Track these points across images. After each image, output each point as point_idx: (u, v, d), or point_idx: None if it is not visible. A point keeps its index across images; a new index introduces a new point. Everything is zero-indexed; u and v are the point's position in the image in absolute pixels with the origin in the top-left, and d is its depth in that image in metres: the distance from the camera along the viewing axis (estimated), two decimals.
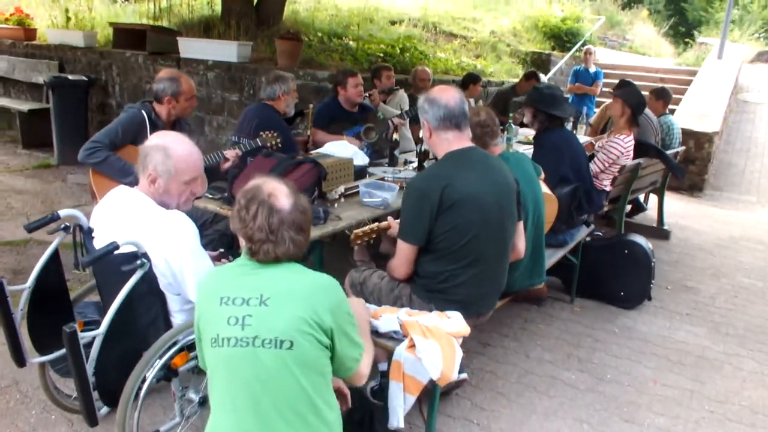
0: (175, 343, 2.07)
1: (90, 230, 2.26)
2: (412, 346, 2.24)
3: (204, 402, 2.20)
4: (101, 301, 2.37)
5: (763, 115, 10.62)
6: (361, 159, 3.60)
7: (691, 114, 8.25)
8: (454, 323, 2.34)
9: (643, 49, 16.29)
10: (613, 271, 4.07)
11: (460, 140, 2.38)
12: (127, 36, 7.27)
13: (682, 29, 21.57)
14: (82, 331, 2.39)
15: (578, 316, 3.96)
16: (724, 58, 11.22)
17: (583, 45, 11.29)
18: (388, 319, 2.34)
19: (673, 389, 3.16)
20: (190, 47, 6.46)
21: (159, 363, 2.01)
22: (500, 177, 2.42)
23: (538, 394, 3.04)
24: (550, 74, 9.99)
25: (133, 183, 3.16)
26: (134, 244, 1.97)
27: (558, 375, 3.22)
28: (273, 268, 1.71)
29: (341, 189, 3.11)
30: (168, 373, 2.09)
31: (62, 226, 2.23)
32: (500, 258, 2.47)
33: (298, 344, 1.62)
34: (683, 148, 5.97)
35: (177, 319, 2.17)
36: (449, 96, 2.36)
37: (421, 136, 2.55)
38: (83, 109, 6.90)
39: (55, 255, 2.28)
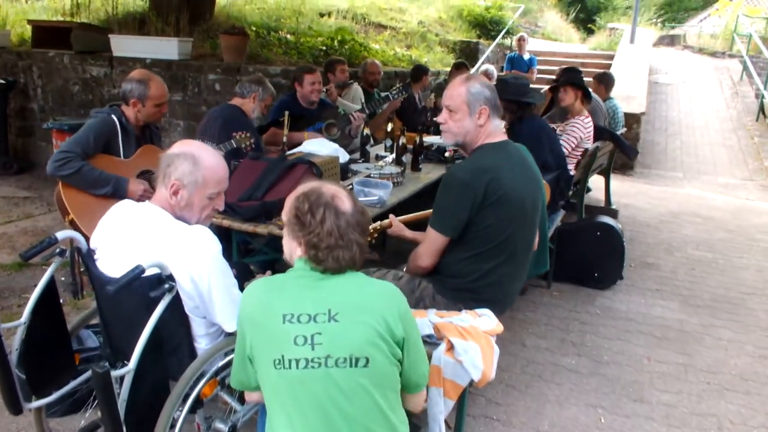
0: (203, 374, 1.89)
1: (91, 252, 2.02)
2: (450, 348, 2.17)
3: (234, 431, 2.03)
4: (103, 328, 2.12)
5: (675, 95, 11.32)
6: (342, 156, 3.46)
7: (618, 96, 8.59)
8: (488, 321, 2.28)
9: (554, 35, 16.94)
10: (586, 254, 4.17)
11: (500, 132, 2.35)
12: (48, 34, 6.66)
13: (582, 15, 22.62)
14: (79, 363, 2.20)
15: (559, 300, 4.04)
16: (636, 42, 11.84)
17: (507, 33, 11.57)
18: (420, 323, 2.25)
19: (667, 365, 3.28)
20: (124, 45, 6.01)
21: (189, 399, 1.83)
22: (533, 172, 2.39)
23: (545, 382, 3.05)
24: (479, 62, 10.15)
25: (111, 194, 2.96)
26: (159, 266, 1.77)
27: (558, 361, 3.26)
28: (337, 278, 1.58)
29: None
30: (194, 404, 1.91)
31: (57, 250, 1.98)
32: (527, 254, 2.44)
33: (374, 360, 1.52)
34: (625, 130, 6.23)
35: (201, 344, 1.99)
36: (493, 87, 2.32)
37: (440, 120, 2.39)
38: (1, 116, 6.29)
39: (51, 284, 2.02)
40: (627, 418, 2.80)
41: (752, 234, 5.84)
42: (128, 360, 1.98)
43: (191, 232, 1.88)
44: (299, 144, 4.21)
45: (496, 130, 2.33)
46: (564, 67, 5.42)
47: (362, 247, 1.61)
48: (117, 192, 2.98)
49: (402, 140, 3.74)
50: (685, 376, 3.17)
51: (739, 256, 5.16)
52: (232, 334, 1.96)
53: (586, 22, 22.63)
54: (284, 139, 3.91)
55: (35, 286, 3.82)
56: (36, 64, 6.56)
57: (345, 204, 1.59)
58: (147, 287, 1.76)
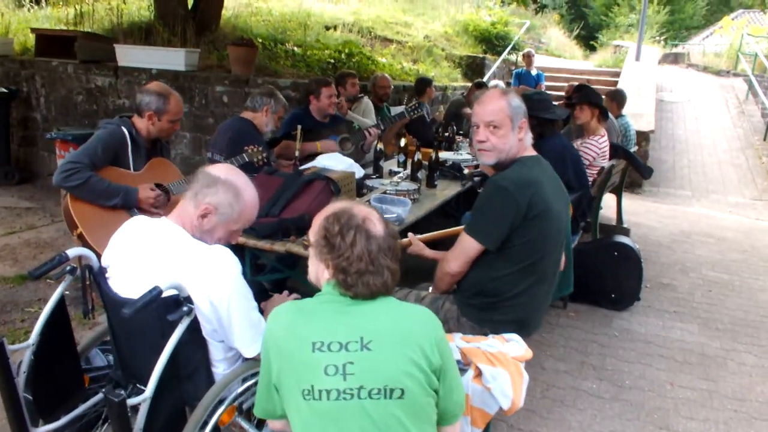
0: (221, 401, 1.79)
1: (102, 270, 1.92)
2: (478, 375, 2.07)
3: None
4: (115, 349, 2.02)
5: (681, 113, 11.29)
6: (357, 172, 3.38)
7: (626, 113, 8.58)
8: (516, 347, 2.18)
9: (558, 51, 16.98)
10: (603, 274, 4.08)
11: (531, 146, 2.29)
12: (52, 43, 6.59)
13: (583, 33, 22.74)
14: (89, 385, 2.09)
15: (575, 321, 3.93)
16: (641, 60, 11.84)
17: (513, 48, 11.55)
18: None
19: (691, 390, 3.17)
20: (130, 55, 5.95)
21: (208, 427, 1.73)
22: (563, 189, 2.30)
23: (567, 408, 2.95)
24: (485, 78, 10.12)
25: (120, 205, 2.86)
26: (177, 287, 1.68)
27: (579, 386, 3.15)
28: (368, 305, 1.50)
29: None
30: None
31: (68, 268, 1.88)
32: (555, 274, 2.35)
33: (409, 391, 1.42)
34: (636, 147, 6.16)
35: (219, 369, 1.88)
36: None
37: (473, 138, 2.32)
38: (3, 125, 6.20)
39: (61, 304, 1.92)
40: None
41: (766, 255, 5.75)
42: (141, 383, 1.89)
43: (211, 253, 1.79)
44: (311, 154, 4.14)
45: (529, 145, 2.27)
46: (576, 84, 5.38)
47: (394, 273, 1.53)
48: (127, 203, 2.90)
49: (417, 156, 3.66)
50: (711, 403, 3.06)
51: (755, 277, 5.06)
52: (251, 359, 1.87)
53: (587, 39, 22.77)
54: (297, 153, 3.82)
55: (39, 300, 3.75)
56: (39, 73, 6.50)
57: (377, 227, 1.52)
58: (164, 310, 1.67)
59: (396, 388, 1.41)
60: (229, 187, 1.85)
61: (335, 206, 1.58)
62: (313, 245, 1.58)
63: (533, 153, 2.28)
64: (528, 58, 8.26)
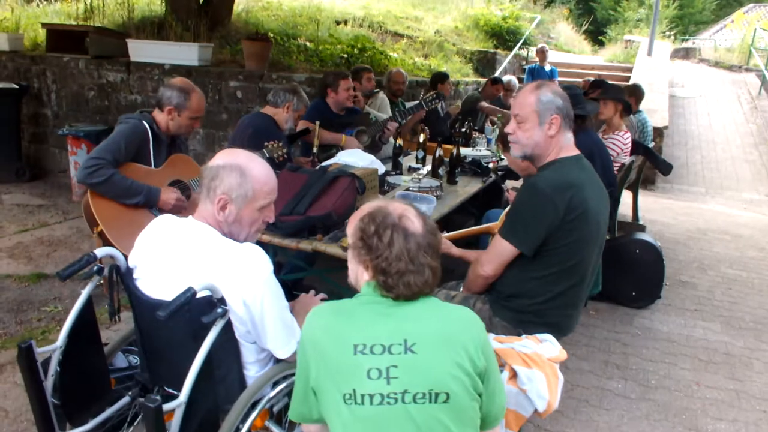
0: (255, 404, 1.75)
1: (129, 271, 1.88)
2: (513, 376, 2.03)
3: None
4: (142, 351, 1.98)
5: (693, 109, 11.19)
6: (380, 168, 3.33)
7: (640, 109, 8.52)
8: (550, 348, 2.14)
9: (567, 46, 16.84)
10: (624, 272, 4.02)
11: (573, 145, 2.21)
12: (63, 38, 6.54)
13: (591, 28, 22.55)
14: (115, 387, 2.05)
15: (596, 319, 3.89)
16: (653, 55, 11.74)
17: (524, 43, 11.46)
18: None
19: (718, 390, 3.12)
20: (142, 50, 5.90)
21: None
22: (603, 190, 2.25)
23: (594, 408, 2.91)
24: (497, 73, 10.04)
25: (142, 204, 2.83)
26: (210, 288, 1.63)
27: (604, 385, 3.11)
28: (410, 305, 1.46)
29: None
30: None
31: (95, 268, 1.83)
32: (592, 276, 2.30)
33: (455, 395, 1.38)
34: (653, 144, 6.10)
35: (251, 371, 1.83)
36: (566, 95, 2.19)
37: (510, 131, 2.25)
38: (14, 122, 6.16)
39: (88, 304, 1.88)
40: None
41: None
42: (169, 386, 1.86)
43: (243, 252, 1.73)
44: (334, 145, 4.10)
45: (569, 144, 2.19)
46: (591, 79, 5.31)
47: (435, 271, 1.48)
48: (149, 202, 2.86)
49: (439, 152, 3.61)
50: (739, 404, 3.02)
51: None
52: (283, 361, 1.84)
53: (595, 35, 22.59)
54: (315, 149, 3.79)
55: (55, 299, 3.71)
56: (50, 69, 6.44)
57: (414, 224, 1.47)
58: (197, 311, 1.63)
59: (441, 392, 1.37)
60: (231, 169, 1.76)
61: (370, 205, 1.53)
62: (350, 247, 1.54)
63: (574, 152, 2.21)
64: (542, 53, 8.19)
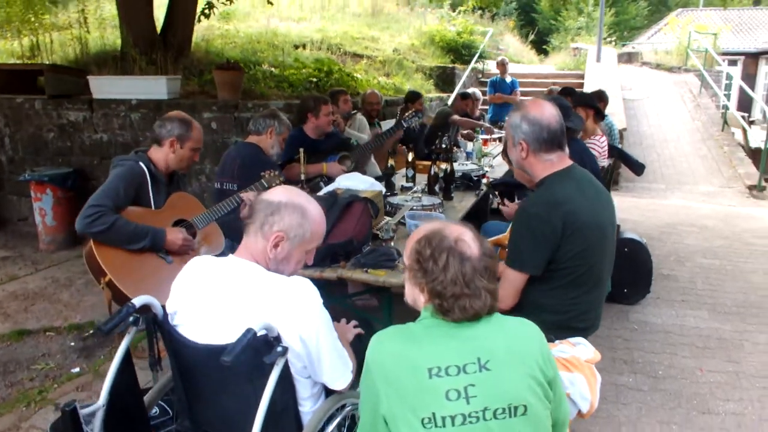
0: None
1: (167, 317, 1.82)
2: None
3: None
4: (184, 398, 1.88)
5: (643, 110, 11.71)
6: (381, 189, 3.39)
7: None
8: (584, 350, 2.22)
9: (516, 57, 17.35)
10: (616, 271, 4.16)
11: (562, 160, 2.25)
12: (13, 78, 6.23)
13: (535, 38, 23.33)
14: None
15: None
16: (602, 60, 12.23)
17: (480, 56, 11.76)
18: None
19: (720, 374, 3.29)
20: (105, 86, 5.72)
21: None
22: (604, 194, 2.34)
23: (612, 404, 3.01)
24: (457, 87, 10.28)
25: (148, 247, 2.74)
26: (266, 327, 1.58)
27: (616, 381, 3.23)
28: (475, 325, 1.48)
29: (392, 224, 2.88)
30: None
31: (131, 319, 1.75)
32: (609, 275, 2.40)
33: (531, 406, 1.42)
34: (620, 145, 6.36)
35: (306, 407, 1.79)
36: (550, 115, 2.20)
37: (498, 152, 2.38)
38: None
39: (127, 358, 1.80)
40: (703, 431, 2.78)
41: (747, 239, 6.01)
42: (215, 431, 1.81)
43: (293, 286, 1.70)
44: (317, 175, 4.13)
45: (551, 161, 2.21)
46: (559, 88, 5.52)
47: (493, 293, 1.49)
48: (155, 245, 2.74)
49: (434, 169, 3.70)
50: (740, 384, 3.19)
51: (744, 261, 5.29)
52: (335, 393, 1.82)
53: (539, 44, 23.34)
54: (302, 177, 3.81)
55: (43, 355, 3.54)
56: (2, 112, 6.14)
57: (471, 248, 1.48)
58: (253, 353, 1.56)
59: (519, 405, 1.40)
60: (294, 208, 1.76)
61: (427, 227, 1.55)
62: (407, 269, 1.58)
63: (562, 166, 2.23)
64: (502, 65, 8.45)
